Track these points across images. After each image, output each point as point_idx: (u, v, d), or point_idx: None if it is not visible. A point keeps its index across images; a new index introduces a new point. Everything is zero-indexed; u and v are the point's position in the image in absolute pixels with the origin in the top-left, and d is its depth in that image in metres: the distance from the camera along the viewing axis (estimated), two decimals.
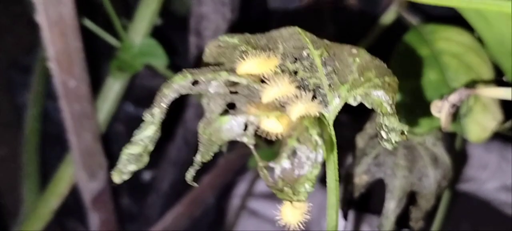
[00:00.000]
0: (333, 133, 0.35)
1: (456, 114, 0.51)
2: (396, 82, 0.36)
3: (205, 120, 0.34)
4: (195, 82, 0.36)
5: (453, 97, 0.48)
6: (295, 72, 0.37)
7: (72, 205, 0.91)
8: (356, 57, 0.37)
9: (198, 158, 0.36)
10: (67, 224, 0.95)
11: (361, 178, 0.56)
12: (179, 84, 0.36)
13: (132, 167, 0.41)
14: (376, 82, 0.35)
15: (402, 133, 0.35)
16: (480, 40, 0.64)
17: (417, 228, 0.57)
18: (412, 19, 0.70)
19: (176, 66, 0.90)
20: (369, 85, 0.35)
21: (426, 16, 0.76)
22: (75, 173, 0.86)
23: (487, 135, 0.60)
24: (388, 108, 0.34)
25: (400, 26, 0.76)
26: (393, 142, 0.35)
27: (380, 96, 0.35)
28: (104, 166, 0.88)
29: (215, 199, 0.99)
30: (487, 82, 0.57)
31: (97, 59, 0.90)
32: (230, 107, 0.34)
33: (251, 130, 0.33)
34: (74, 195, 0.90)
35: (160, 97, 0.36)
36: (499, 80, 0.55)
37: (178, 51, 0.93)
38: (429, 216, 0.59)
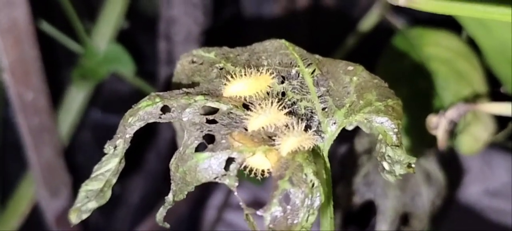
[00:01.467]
0: (328, 166, 0.30)
1: (452, 131, 0.48)
2: (400, 106, 0.31)
3: (178, 155, 0.29)
4: (165, 109, 0.30)
5: (451, 113, 0.44)
6: (283, 94, 0.32)
7: (34, 225, 0.85)
8: (353, 75, 0.32)
9: (171, 198, 0.30)
10: None
11: (349, 199, 0.51)
12: (146, 111, 0.30)
13: (93, 205, 0.35)
14: (378, 107, 0.30)
15: (409, 165, 0.30)
16: (470, 44, 0.60)
17: None
18: (397, 22, 0.66)
19: (145, 73, 0.84)
20: (370, 110, 0.30)
21: (411, 18, 0.72)
22: (36, 191, 0.80)
23: (479, 147, 0.56)
24: (394, 138, 0.30)
25: (382, 29, 0.71)
26: (397, 175, 0.30)
27: (384, 124, 0.30)
28: (67, 182, 0.82)
29: (189, 211, 0.94)
30: (481, 93, 0.53)
31: (57, 67, 0.83)
32: (208, 140, 0.29)
33: (233, 169, 0.28)
34: (36, 214, 0.83)
35: (123, 126, 0.30)
36: (496, 91, 0.52)
37: (147, 57, 0.87)
38: None
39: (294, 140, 0.28)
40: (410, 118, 0.56)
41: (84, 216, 0.36)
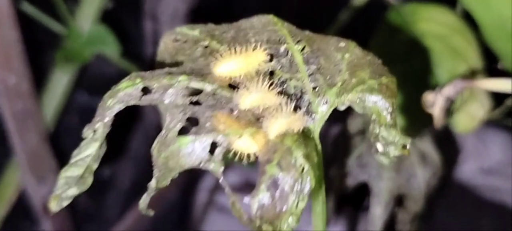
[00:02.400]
0: (319, 148, 0.28)
1: (449, 109, 0.46)
2: (395, 84, 0.29)
3: (160, 139, 0.27)
4: (146, 90, 0.28)
5: (448, 90, 0.42)
6: (271, 73, 0.30)
7: (22, 212, 0.83)
8: (345, 52, 0.30)
9: (153, 184, 0.29)
10: None
11: (342, 181, 0.49)
12: (125, 92, 0.28)
13: (73, 191, 0.34)
14: (371, 85, 0.29)
15: (404, 146, 0.28)
16: (465, 19, 0.58)
17: None
18: None
19: (131, 54, 0.82)
20: (362, 89, 0.29)
21: None
22: (22, 177, 0.78)
23: (474, 125, 0.55)
24: (388, 118, 0.28)
25: (376, 5, 0.69)
26: (391, 156, 0.29)
27: (378, 103, 0.28)
28: (54, 167, 0.80)
29: (180, 194, 0.93)
30: (477, 69, 0.52)
31: (40, 49, 0.81)
32: (192, 123, 0.27)
33: (219, 153, 0.26)
34: (23, 200, 0.82)
35: (102, 109, 0.29)
36: (493, 68, 0.50)
37: (133, 37, 0.85)
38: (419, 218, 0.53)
39: (282, 122, 0.26)
40: (405, 96, 0.54)
41: (65, 203, 0.34)
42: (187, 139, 0.26)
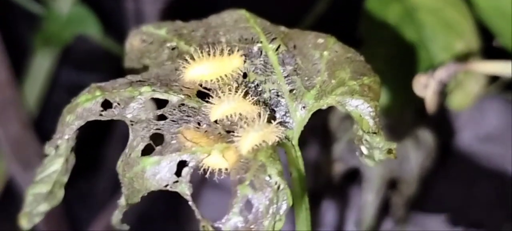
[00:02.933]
0: (299, 154, 0.26)
1: (442, 91, 0.44)
2: (378, 84, 0.27)
3: (124, 157, 0.25)
4: (107, 103, 0.26)
5: (440, 74, 0.40)
6: (244, 75, 0.28)
7: (12, 200, 0.82)
8: (323, 50, 0.28)
9: (123, 202, 0.27)
10: (7, 223, 0.86)
11: (333, 168, 0.48)
12: (84, 107, 0.26)
13: (44, 207, 0.32)
14: (352, 87, 0.26)
15: (390, 151, 0.26)
16: None
17: (399, 215, 0.50)
18: None
19: (113, 33, 0.79)
20: (343, 91, 0.26)
21: None
22: (8, 166, 0.77)
23: (469, 101, 0.53)
24: (371, 123, 0.26)
25: None
26: (376, 159, 0.27)
27: (359, 107, 0.26)
28: (40, 153, 0.78)
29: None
30: (472, 46, 0.49)
31: (18, 33, 0.78)
32: (156, 140, 0.25)
33: (186, 174, 0.24)
34: (12, 189, 0.80)
35: (62, 125, 0.26)
36: (488, 45, 0.47)
37: (115, 16, 0.82)
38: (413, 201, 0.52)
39: (255, 135, 0.24)
40: (396, 75, 0.52)
41: (37, 220, 0.33)
42: (152, 159, 0.24)
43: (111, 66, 0.84)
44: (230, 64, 0.27)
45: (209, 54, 0.27)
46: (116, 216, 0.29)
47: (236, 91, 0.26)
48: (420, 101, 0.47)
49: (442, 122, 0.74)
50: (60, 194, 0.32)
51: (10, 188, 0.81)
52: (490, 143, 0.92)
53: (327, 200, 0.49)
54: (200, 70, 0.27)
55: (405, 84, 0.50)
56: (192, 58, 0.27)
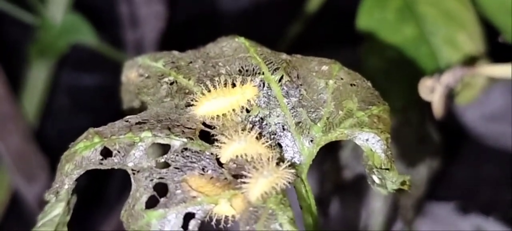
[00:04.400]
0: (309, 189, 0.25)
1: (449, 94, 0.42)
2: (388, 113, 0.26)
3: (127, 207, 0.24)
4: (107, 151, 0.25)
5: (447, 78, 0.38)
6: (248, 110, 0.27)
7: (17, 213, 0.82)
8: (328, 78, 0.27)
9: None
10: None
11: (339, 175, 0.47)
12: (83, 156, 0.25)
13: None
14: (361, 118, 0.25)
15: (403, 182, 0.25)
16: None
17: (408, 218, 0.49)
18: None
19: (108, 38, 0.78)
20: (351, 123, 0.25)
21: None
22: (12, 179, 0.76)
23: (475, 94, 0.52)
24: (383, 158, 0.25)
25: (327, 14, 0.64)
26: (389, 189, 0.26)
27: (370, 142, 0.25)
28: (43, 165, 0.77)
29: None
30: (475, 39, 0.48)
31: (12, 44, 0.76)
32: (160, 191, 0.24)
33: (194, 226, 0.23)
34: (17, 202, 0.80)
35: (61, 174, 0.25)
36: (494, 42, 0.46)
37: (109, 21, 0.80)
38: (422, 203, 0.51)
39: (265, 182, 0.23)
40: (399, 73, 0.50)
41: None
42: (157, 213, 0.23)
43: (109, 68, 0.83)
44: (244, 94, 0.26)
45: (220, 86, 0.26)
46: None
47: (243, 130, 0.25)
48: (425, 101, 0.46)
49: (448, 110, 0.73)
50: None
51: (15, 201, 0.81)
52: (495, 122, 0.91)
53: (334, 207, 0.48)
54: (213, 104, 0.26)
55: (409, 83, 0.49)
56: (202, 93, 0.26)
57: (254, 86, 0.26)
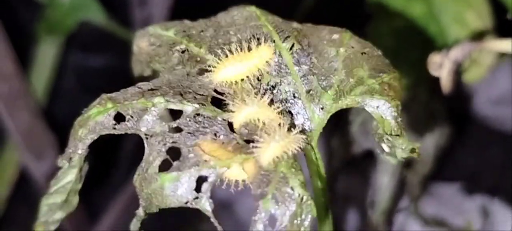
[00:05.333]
0: (319, 156, 0.25)
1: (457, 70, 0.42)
2: (398, 81, 0.26)
3: (140, 172, 0.24)
4: (119, 116, 0.25)
5: (455, 53, 0.38)
6: (259, 79, 0.27)
7: (25, 191, 0.82)
8: (339, 46, 0.27)
9: (141, 213, 0.26)
10: (22, 212, 0.86)
11: (346, 150, 0.47)
12: (96, 121, 0.25)
13: (59, 215, 0.32)
14: (371, 86, 0.25)
15: (413, 150, 0.25)
16: None
17: (414, 194, 0.49)
18: None
19: (117, 17, 0.78)
20: (362, 91, 0.25)
21: None
22: (21, 156, 0.77)
23: (483, 72, 0.52)
24: (393, 124, 0.25)
25: None
26: (398, 158, 0.26)
27: (380, 108, 0.25)
28: (51, 142, 0.78)
29: None
30: (483, 15, 0.48)
31: (21, 23, 0.77)
32: (173, 154, 0.24)
33: (206, 190, 0.23)
34: (25, 179, 0.81)
35: (74, 139, 0.26)
36: (503, 20, 0.46)
37: (119, 0, 0.80)
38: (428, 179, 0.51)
39: (276, 146, 0.23)
40: (408, 51, 0.50)
41: (52, 228, 0.33)
42: (170, 176, 0.23)
43: (116, 48, 0.83)
44: (261, 57, 0.26)
45: (237, 52, 0.26)
46: (135, 225, 0.28)
47: (256, 96, 0.25)
48: (433, 78, 0.46)
49: (455, 88, 0.73)
50: (75, 201, 0.32)
51: (23, 178, 0.81)
52: (502, 105, 0.91)
53: (341, 183, 0.49)
54: (233, 69, 0.26)
55: (418, 61, 0.49)
56: (219, 61, 0.26)
57: (270, 46, 0.26)
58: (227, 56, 0.26)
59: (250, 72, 0.26)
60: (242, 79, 0.26)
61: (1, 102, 0.69)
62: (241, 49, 0.26)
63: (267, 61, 0.26)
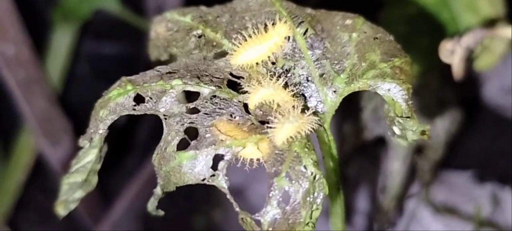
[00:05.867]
0: (331, 138, 0.26)
1: (469, 57, 0.43)
2: (409, 64, 0.26)
3: (159, 151, 0.25)
4: (139, 97, 0.26)
5: (467, 40, 0.39)
6: (273, 63, 0.28)
7: (41, 175, 0.84)
8: (352, 31, 0.27)
9: (159, 191, 0.27)
10: (38, 197, 0.88)
11: (357, 136, 0.48)
12: (117, 102, 0.26)
13: (79, 194, 0.33)
14: (383, 70, 0.26)
15: (423, 132, 0.26)
16: None
17: (425, 180, 0.50)
18: None
19: (133, 4, 0.79)
20: (374, 74, 0.26)
21: None
22: (37, 141, 0.78)
23: (495, 60, 0.52)
24: (404, 107, 0.25)
25: None
26: (409, 140, 0.27)
27: (392, 91, 0.26)
28: (67, 128, 0.79)
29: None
30: (495, 2, 0.48)
31: (37, 10, 0.78)
32: (191, 135, 0.25)
33: (223, 168, 0.24)
34: (41, 164, 0.82)
35: (95, 120, 0.27)
36: None
37: None
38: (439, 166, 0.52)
39: (290, 127, 0.24)
40: (419, 38, 0.51)
41: (72, 206, 0.34)
42: (188, 154, 0.24)
43: (130, 36, 0.84)
44: (279, 34, 0.27)
45: (250, 36, 0.27)
46: (152, 204, 0.29)
47: (271, 79, 0.26)
48: (445, 65, 0.46)
49: (466, 76, 0.73)
50: (95, 180, 0.33)
51: (39, 163, 0.83)
52: None
53: (353, 168, 0.50)
54: (254, 51, 0.27)
55: (429, 48, 0.50)
56: (238, 44, 0.27)
57: (285, 23, 0.27)
58: (245, 40, 0.27)
59: (270, 51, 0.27)
60: (257, 63, 0.27)
61: (18, 88, 0.70)
62: (258, 32, 0.27)
63: (285, 39, 0.27)
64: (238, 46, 0.27)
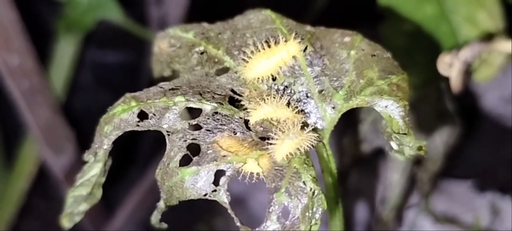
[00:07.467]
0: (330, 153, 0.27)
1: (467, 70, 0.43)
2: (406, 82, 0.27)
3: (162, 166, 0.26)
4: (143, 114, 0.27)
5: (465, 53, 0.39)
6: (274, 79, 0.28)
7: (43, 184, 0.84)
8: (350, 49, 0.28)
9: (162, 205, 0.28)
10: (41, 205, 0.88)
11: (357, 148, 0.48)
12: (121, 118, 0.27)
13: (84, 207, 0.34)
14: (380, 87, 0.27)
15: (420, 148, 0.27)
16: None
17: (424, 191, 0.50)
18: None
19: (134, 15, 0.80)
20: (371, 91, 0.27)
21: None
22: (40, 150, 0.79)
23: (493, 72, 0.53)
24: (401, 124, 0.26)
25: None
26: (406, 155, 0.27)
27: (389, 108, 0.26)
28: (70, 137, 0.80)
29: None
30: (495, 16, 0.49)
31: (41, 20, 0.79)
32: (193, 150, 0.26)
33: (224, 183, 0.25)
34: (44, 172, 0.83)
35: (100, 135, 0.27)
36: None
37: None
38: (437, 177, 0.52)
39: (290, 143, 0.25)
40: (419, 51, 0.51)
41: (77, 219, 0.34)
42: (190, 170, 0.25)
43: (133, 46, 0.85)
44: (289, 51, 0.27)
45: (262, 49, 0.27)
46: (155, 217, 0.30)
47: (274, 97, 0.26)
48: (444, 78, 0.47)
49: (466, 86, 0.73)
50: (99, 193, 0.33)
51: (42, 172, 0.83)
52: None
53: (352, 180, 0.50)
54: (263, 65, 0.27)
55: (428, 61, 0.50)
56: (246, 57, 0.27)
57: (298, 42, 0.27)
58: (252, 55, 0.28)
59: (278, 66, 0.27)
60: (258, 79, 0.28)
61: (21, 98, 0.71)
62: (263, 48, 0.27)
63: (294, 57, 0.27)
64: (248, 61, 0.27)
